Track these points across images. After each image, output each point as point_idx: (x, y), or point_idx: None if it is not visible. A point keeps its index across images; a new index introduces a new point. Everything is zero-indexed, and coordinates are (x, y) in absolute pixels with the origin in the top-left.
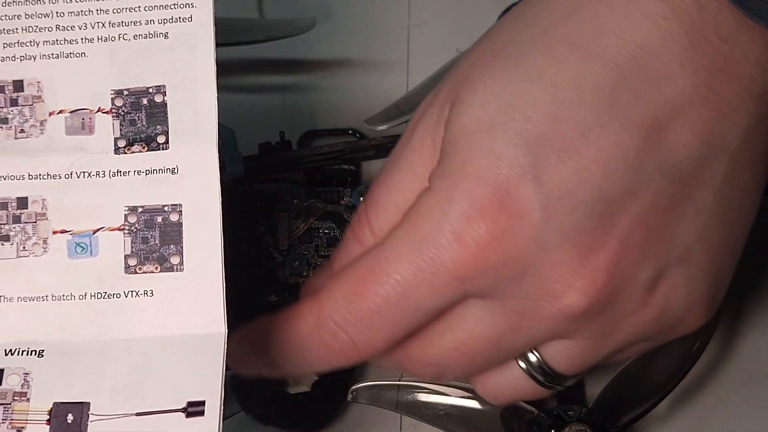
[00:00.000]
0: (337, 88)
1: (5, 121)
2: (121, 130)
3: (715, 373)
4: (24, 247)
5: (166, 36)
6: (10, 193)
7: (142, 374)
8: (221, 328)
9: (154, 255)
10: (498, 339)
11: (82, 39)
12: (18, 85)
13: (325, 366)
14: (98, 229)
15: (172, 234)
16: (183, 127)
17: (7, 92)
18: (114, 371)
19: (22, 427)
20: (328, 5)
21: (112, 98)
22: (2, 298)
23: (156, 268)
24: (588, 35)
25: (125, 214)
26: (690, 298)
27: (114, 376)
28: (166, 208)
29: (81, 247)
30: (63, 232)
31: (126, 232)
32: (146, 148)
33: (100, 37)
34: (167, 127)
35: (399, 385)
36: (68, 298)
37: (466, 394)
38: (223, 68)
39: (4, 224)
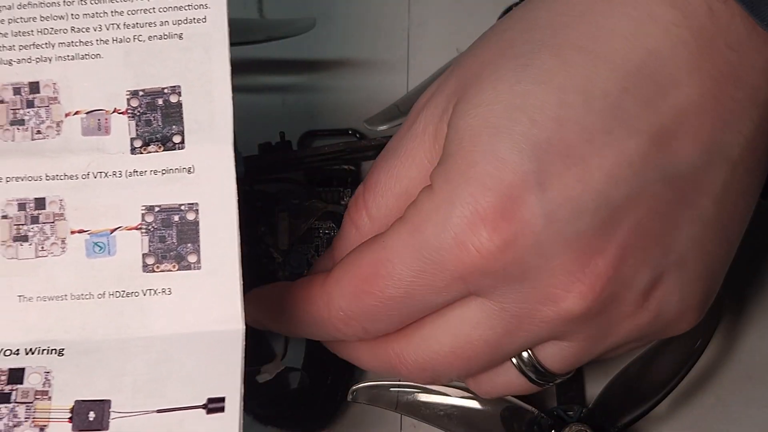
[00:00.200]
0: (337, 88)
1: (22, 122)
2: (137, 130)
3: (715, 373)
4: (42, 247)
5: (180, 37)
6: (28, 194)
7: (161, 371)
8: (239, 324)
9: (171, 253)
10: (496, 343)
11: (97, 41)
12: (34, 87)
13: (338, 338)
14: (116, 229)
15: (189, 233)
16: (198, 126)
17: (23, 94)
18: (134, 369)
19: (45, 425)
20: (328, 5)
21: (127, 99)
22: (22, 297)
23: (173, 267)
24: (598, 38)
25: (142, 214)
26: (684, 302)
27: (134, 374)
28: (182, 207)
29: (99, 246)
30: (81, 231)
31: (143, 231)
32: (162, 148)
33: (114, 39)
34: (183, 127)
35: (399, 385)
36: (87, 297)
37: (466, 394)
38: None
39: (23, 225)
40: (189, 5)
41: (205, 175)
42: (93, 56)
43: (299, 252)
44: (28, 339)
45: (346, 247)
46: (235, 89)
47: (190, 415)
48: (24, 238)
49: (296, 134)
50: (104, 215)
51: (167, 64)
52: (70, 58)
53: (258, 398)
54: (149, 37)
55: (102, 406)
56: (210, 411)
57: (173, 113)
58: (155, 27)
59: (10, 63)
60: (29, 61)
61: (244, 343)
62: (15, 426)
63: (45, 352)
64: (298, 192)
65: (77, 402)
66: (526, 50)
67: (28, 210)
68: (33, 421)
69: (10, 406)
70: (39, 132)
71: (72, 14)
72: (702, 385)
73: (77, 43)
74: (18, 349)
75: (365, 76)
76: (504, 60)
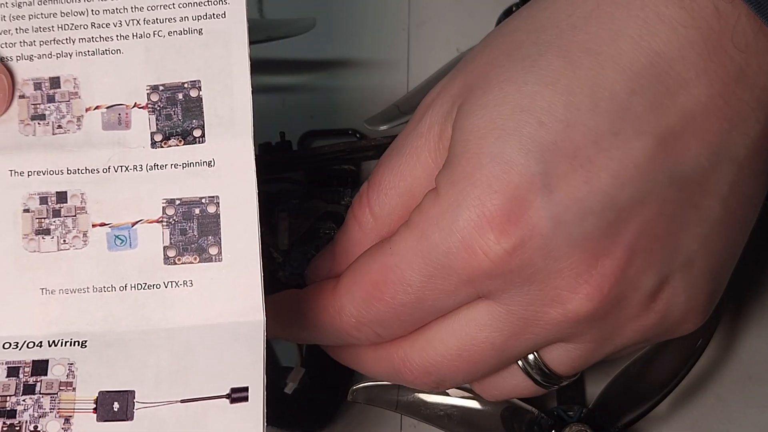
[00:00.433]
0: (337, 88)
1: (42, 117)
2: (157, 124)
3: (715, 373)
4: (64, 241)
5: (200, 32)
6: (50, 188)
7: (184, 362)
8: (260, 315)
9: (192, 246)
10: (502, 345)
11: (117, 36)
12: (55, 82)
13: (350, 344)
14: (137, 222)
15: (210, 225)
16: (219, 120)
17: (44, 89)
18: (157, 360)
19: (70, 416)
20: (328, 5)
21: (147, 94)
22: (44, 290)
23: (195, 259)
24: (605, 39)
25: (163, 207)
26: (690, 304)
27: (157, 365)
28: (203, 200)
29: (120, 239)
30: (102, 225)
31: (164, 224)
32: (183, 142)
33: (135, 34)
34: (203, 121)
35: (399, 385)
36: (109, 289)
37: (467, 394)
38: None
39: (45, 218)
40: (209, 1)
41: (226, 169)
42: (113, 51)
43: (299, 252)
44: (51, 331)
45: (349, 245)
46: None
47: (214, 404)
48: (46, 232)
49: (296, 134)
50: (125, 208)
51: (187, 60)
52: (90, 53)
53: None
54: (169, 33)
55: (126, 397)
56: (234, 400)
57: (193, 107)
58: (175, 22)
59: (31, 58)
60: (50, 56)
61: (265, 333)
62: (40, 417)
63: (68, 344)
64: (298, 192)
65: (101, 393)
66: (533, 51)
67: (49, 203)
68: (58, 412)
69: (35, 397)
70: (60, 126)
71: (92, 10)
72: (702, 385)
73: (98, 39)
74: (41, 342)
75: (365, 76)
76: (511, 61)
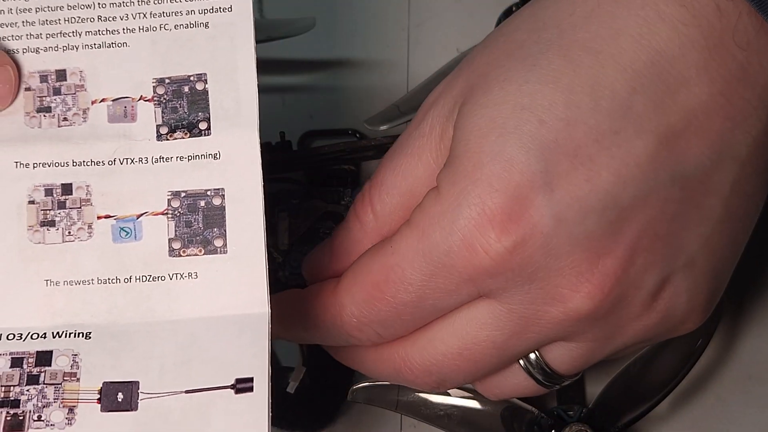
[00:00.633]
0: (337, 88)
1: (48, 109)
2: (163, 117)
3: (715, 373)
4: (69, 232)
5: (206, 26)
6: (55, 180)
7: (189, 354)
8: (264, 308)
9: (197, 238)
10: (503, 344)
11: (123, 29)
12: (61, 75)
13: (352, 344)
14: (142, 214)
15: (215, 217)
16: (224, 113)
17: (50, 81)
18: (161, 351)
19: (74, 406)
20: (328, 5)
21: (153, 86)
22: (49, 282)
23: (200, 251)
24: (606, 38)
25: (168, 199)
26: (691, 303)
27: (162, 357)
28: (208, 193)
29: (125, 231)
30: (107, 217)
31: (169, 216)
32: (188, 135)
33: (141, 27)
34: (209, 113)
35: (399, 385)
36: (114, 281)
37: (467, 394)
38: None
39: (50, 210)
40: None
41: (231, 161)
42: (120, 44)
43: (299, 252)
44: (55, 323)
45: (349, 243)
46: None
47: (219, 395)
48: (51, 223)
49: (296, 134)
50: (131, 201)
51: (193, 53)
52: (96, 46)
53: None
54: (176, 26)
55: (130, 387)
56: (239, 391)
57: (199, 100)
58: (182, 16)
59: (37, 51)
60: (56, 49)
61: (270, 326)
62: (44, 407)
63: (72, 335)
64: (298, 192)
65: (105, 383)
66: (534, 50)
67: (55, 195)
68: (62, 402)
69: (39, 387)
70: (65, 119)
71: (99, 3)
72: (702, 385)
73: (104, 32)
74: (45, 333)
75: (365, 76)
76: (512, 60)
